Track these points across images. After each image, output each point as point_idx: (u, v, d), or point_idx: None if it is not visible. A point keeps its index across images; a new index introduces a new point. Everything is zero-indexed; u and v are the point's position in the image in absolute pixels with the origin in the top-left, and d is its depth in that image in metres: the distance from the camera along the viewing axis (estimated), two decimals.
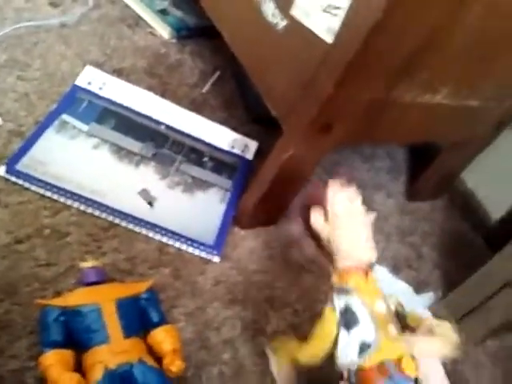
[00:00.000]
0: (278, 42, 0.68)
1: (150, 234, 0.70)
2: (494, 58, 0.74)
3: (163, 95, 0.88)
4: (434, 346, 0.49)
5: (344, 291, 0.51)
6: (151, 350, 0.58)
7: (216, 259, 0.72)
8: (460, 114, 0.82)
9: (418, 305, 0.82)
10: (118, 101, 0.83)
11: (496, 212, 1.01)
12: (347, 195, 0.54)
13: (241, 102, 0.97)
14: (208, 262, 0.72)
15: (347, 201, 0.54)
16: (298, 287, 0.77)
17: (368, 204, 0.95)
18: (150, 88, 0.89)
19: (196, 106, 0.91)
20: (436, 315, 0.83)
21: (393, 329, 0.49)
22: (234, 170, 0.84)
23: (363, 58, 0.57)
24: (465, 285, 0.83)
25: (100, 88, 0.84)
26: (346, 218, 0.53)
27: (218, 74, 0.99)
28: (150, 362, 0.55)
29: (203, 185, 0.79)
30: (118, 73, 0.89)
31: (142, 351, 0.56)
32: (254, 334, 0.68)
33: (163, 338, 0.58)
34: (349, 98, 0.62)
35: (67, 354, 0.53)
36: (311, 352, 0.54)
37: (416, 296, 0.83)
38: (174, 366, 0.56)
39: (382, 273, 0.83)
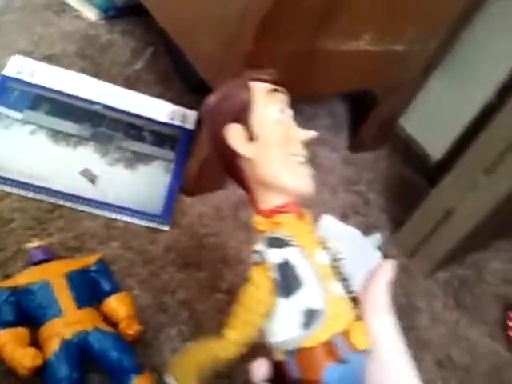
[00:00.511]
0: (197, 2, 0.69)
1: (96, 212, 0.72)
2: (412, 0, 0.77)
3: (96, 76, 0.89)
4: None
5: (279, 242, 0.35)
6: (107, 319, 0.59)
7: (166, 227, 0.74)
8: (387, 60, 0.85)
9: (368, 247, 0.87)
10: (51, 86, 0.83)
11: (436, 153, 1.05)
12: (276, 99, 0.37)
13: (177, 75, 0.98)
14: (158, 231, 0.74)
15: (279, 111, 0.37)
16: (250, 244, 0.79)
17: (312, 160, 0.99)
18: (82, 70, 0.89)
19: (131, 83, 0.91)
20: (386, 255, 0.88)
21: (338, 287, 0.35)
22: (175, 141, 0.85)
23: (279, 9, 0.58)
24: (410, 222, 0.87)
25: (30, 76, 0.83)
26: (276, 131, 0.37)
27: (150, 50, 0.99)
28: (105, 327, 0.57)
29: (145, 158, 0.80)
30: (49, 59, 0.89)
31: (96, 320, 0.57)
32: (210, 293, 0.70)
33: (117, 305, 0.60)
34: (272, 51, 0.63)
35: (21, 332, 0.54)
36: (239, 334, 0.36)
37: (365, 238, 0.88)
38: (131, 329, 0.58)
39: (328, 220, 0.87)
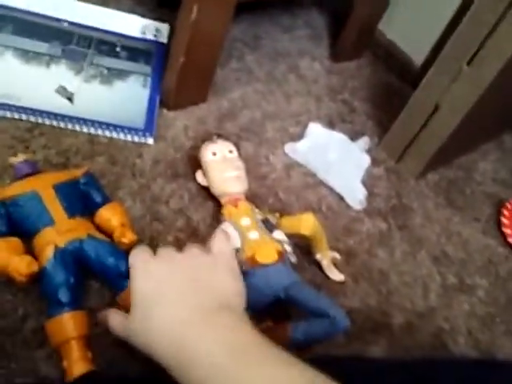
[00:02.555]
0: None
1: (77, 128, 0.69)
2: None
3: None
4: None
5: (220, 220, 0.64)
6: (100, 230, 0.58)
7: (150, 141, 0.72)
8: None
9: (356, 150, 0.86)
10: (12, 4, 0.78)
11: (418, 57, 1.03)
12: (210, 148, 0.68)
13: None
14: (143, 145, 0.71)
15: (210, 153, 0.68)
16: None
17: (294, 70, 0.97)
18: None
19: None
20: (375, 159, 0.87)
21: (254, 234, 0.60)
22: (150, 55, 0.81)
23: None
24: (396, 123, 0.86)
25: None
26: (211, 166, 0.67)
27: None
28: (100, 236, 0.55)
29: (121, 74, 0.77)
30: None
31: (89, 228, 0.56)
32: (203, 202, 0.69)
33: (110, 214, 0.58)
34: None
35: (14, 241, 0.52)
36: None
37: (352, 143, 0.87)
38: (126, 237, 0.56)
39: (316, 128, 0.86)
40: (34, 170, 0.58)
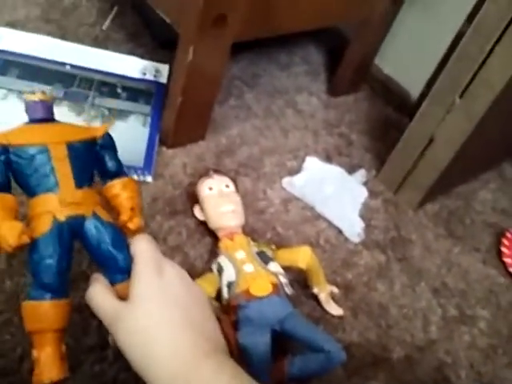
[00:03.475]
0: None
1: None
2: None
3: (63, 38, 0.87)
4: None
5: (217, 254, 0.66)
6: (106, 205, 0.50)
7: (149, 179, 0.73)
8: None
9: (353, 183, 0.87)
10: (18, 51, 0.81)
11: (415, 90, 1.05)
12: (206, 183, 0.70)
13: (146, 31, 0.96)
14: (141, 183, 0.73)
15: (207, 188, 0.70)
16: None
17: (292, 105, 0.99)
18: (48, 34, 0.87)
19: (99, 42, 0.90)
20: (373, 191, 0.88)
21: (249, 267, 0.62)
22: (150, 95, 0.84)
23: None
24: (393, 155, 0.87)
25: None
26: (207, 201, 0.69)
27: (116, 8, 0.97)
28: (105, 216, 0.48)
29: (121, 114, 0.79)
30: (13, 25, 0.87)
31: (96, 204, 0.48)
32: (201, 238, 0.70)
33: (120, 190, 0.51)
34: None
35: (10, 199, 0.45)
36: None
37: (349, 176, 0.88)
38: (132, 223, 0.50)
39: (313, 162, 0.87)
40: (49, 117, 0.50)
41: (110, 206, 0.51)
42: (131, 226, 0.49)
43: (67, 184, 0.46)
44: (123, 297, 0.44)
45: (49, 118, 0.50)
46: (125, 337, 0.42)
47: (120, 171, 0.52)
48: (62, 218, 0.45)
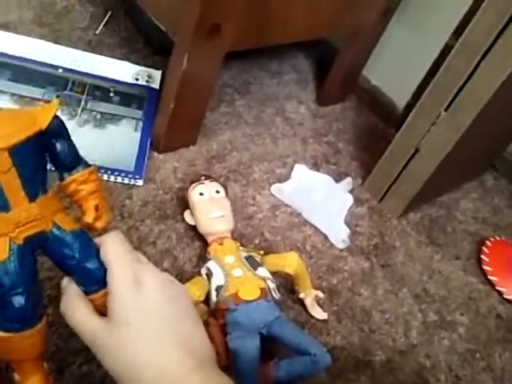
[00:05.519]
0: None
1: None
2: None
3: (56, 41, 0.88)
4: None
5: (206, 258, 0.68)
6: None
7: (140, 183, 0.75)
8: (344, 4, 0.85)
9: (340, 191, 0.89)
10: (10, 52, 0.82)
11: (401, 101, 1.07)
12: (197, 189, 0.72)
13: (138, 37, 0.97)
14: (132, 186, 0.74)
15: (198, 194, 0.71)
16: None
17: (282, 114, 1.01)
18: (41, 37, 0.88)
19: (93, 47, 0.91)
20: (359, 199, 0.90)
21: (237, 271, 0.63)
22: (142, 100, 0.85)
23: None
24: (379, 165, 0.89)
25: None
26: (198, 206, 0.70)
27: (109, 14, 0.98)
28: (68, 224, 0.42)
29: (113, 118, 0.80)
30: (5, 27, 0.87)
31: (55, 211, 0.41)
32: (190, 242, 0.71)
33: (80, 186, 0.43)
34: None
35: None
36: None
37: (336, 184, 0.90)
38: (99, 222, 0.44)
39: (301, 170, 0.89)
40: None
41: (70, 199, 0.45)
42: (98, 225, 0.44)
43: (19, 201, 0.39)
44: (100, 307, 0.41)
45: None
46: (110, 360, 0.40)
47: (76, 161, 0.44)
48: (20, 241, 0.39)
